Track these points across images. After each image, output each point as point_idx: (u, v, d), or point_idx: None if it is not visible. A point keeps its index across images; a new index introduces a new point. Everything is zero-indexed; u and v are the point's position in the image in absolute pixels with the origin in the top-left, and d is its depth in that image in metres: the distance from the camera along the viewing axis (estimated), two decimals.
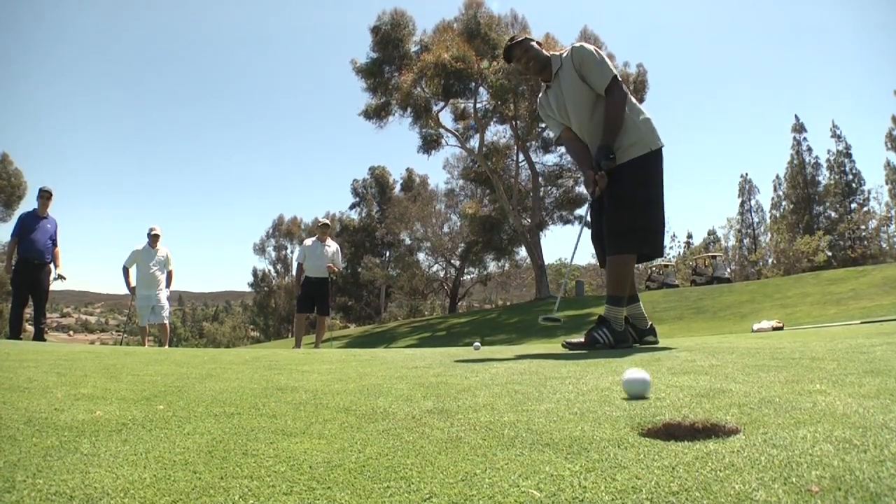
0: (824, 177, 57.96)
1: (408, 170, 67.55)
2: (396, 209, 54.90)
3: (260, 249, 76.59)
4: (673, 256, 59.02)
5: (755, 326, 6.36)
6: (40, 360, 3.12)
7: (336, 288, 70.13)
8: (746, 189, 64.39)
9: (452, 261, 54.39)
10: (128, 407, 1.43)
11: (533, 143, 40.47)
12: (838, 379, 1.92)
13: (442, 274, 58.26)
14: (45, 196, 9.74)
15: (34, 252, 9.40)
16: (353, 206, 70.24)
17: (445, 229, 54.29)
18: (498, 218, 41.83)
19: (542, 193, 41.02)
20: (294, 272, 10.61)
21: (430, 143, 39.22)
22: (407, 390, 1.74)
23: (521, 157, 40.29)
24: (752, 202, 64.00)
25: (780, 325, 5.95)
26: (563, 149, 43.87)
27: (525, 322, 28.76)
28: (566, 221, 42.46)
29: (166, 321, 10.88)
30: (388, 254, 63.84)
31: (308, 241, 10.86)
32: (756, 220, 63.30)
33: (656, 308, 24.06)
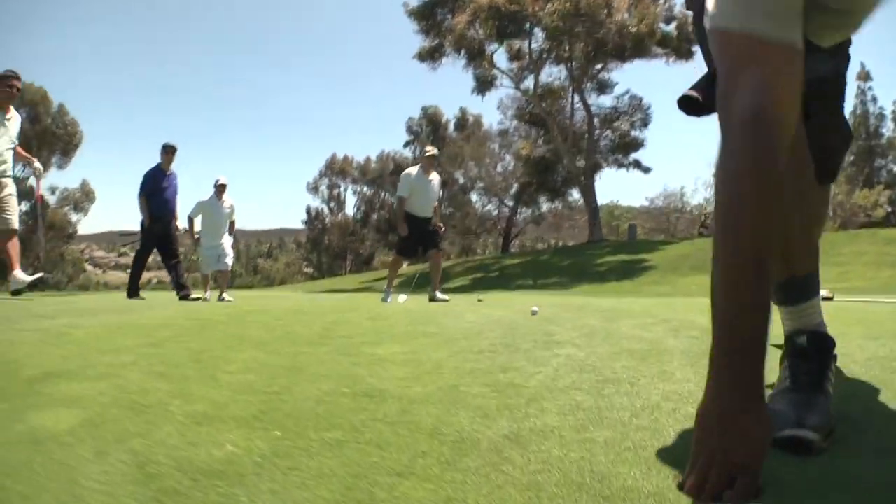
0: (889, 129, 55.12)
1: (461, 109, 66.79)
2: (450, 149, 54.68)
3: (313, 188, 77.13)
4: None
5: None
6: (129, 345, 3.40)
7: (390, 226, 70.93)
8: None
9: (506, 200, 54.24)
10: (247, 433, 1.58)
11: (588, 84, 39.76)
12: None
13: (495, 213, 58.22)
14: (170, 151, 9.62)
15: (165, 209, 9.42)
16: (406, 145, 70.13)
17: (499, 169, 54.09)
18: (552, 159, 41.45)
19: (596, 136, 40.34)
20: (397, 209, 9.09)
21: (484, 85, 38.78)
22: (481, 397, 1.92)
23: (577, 98, 39.61)
24: None
25: (831, 295, 5.91)
26: (620, 89, 43.56)
27: (577, 265, 28.80)
28: (621, 165, 41.82)
29: (229, 268, 10.95)
30: (442, 192, 63.97)
31: (412, 171, 9.15)
32: None
33: (708, 255, 23.68)
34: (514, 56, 39.22)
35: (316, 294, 18.57)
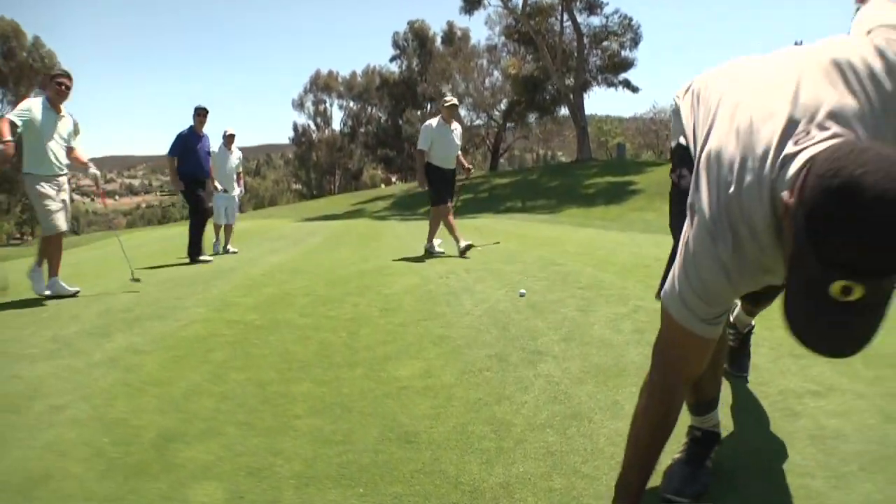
0: None
1: (448, 23, 65.83)
2: (438, 64, 54.28)
3: (299, 105, 76.65)
4: None
5: None
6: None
7: (378, 141, 71.02)
8: None
9: (494, 116, 54.29)
10: (342, 493, 2.32)
11: (578, 2, 39.38)
12: None
13: (484, 128, 58.30)
14: (202, 114, 9.68)
15: (200, 169, 9.50)
16: (392, 59, 69.43)
17: (487, 84, 53.92)
18: (540, 77, 41.39)
19: (585, 55, 40.20)
20: (417, 162, 8.75)
21: (471, 3, 38.49)
22: (485, 440, 2.69)
23: (566, 16, 39.27)
24: None
25: None
26: (609, 9, 43.45)
27: (565, 186, 29.46)
28: (610, 84, 41.87)
29: (233, 222, 11.08)
30: (429, 106, 63.72)
31: (432, 122, 8.67)
32: None
33: None
34: None
35: (311, 228, 19.15)
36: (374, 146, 72.33)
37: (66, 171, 6.18)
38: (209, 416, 2.97)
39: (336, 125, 77.61)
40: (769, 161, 1.45)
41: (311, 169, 77.67)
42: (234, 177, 11.09)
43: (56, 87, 6.08)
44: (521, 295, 5.30)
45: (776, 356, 3.42)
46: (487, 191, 32.30)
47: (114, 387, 3.38)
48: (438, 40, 65.61)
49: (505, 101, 49.68)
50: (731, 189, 1.51)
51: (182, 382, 3.43)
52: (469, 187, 35.11)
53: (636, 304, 4.81)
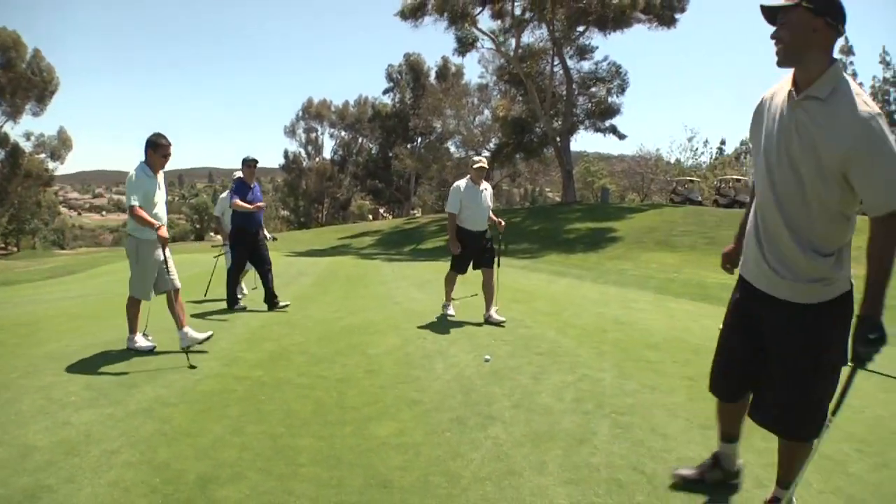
0: None
1: (443, 58, 67.55)
2: (430, 99, 55.61)
3: (290, 132, 77.82)
4: (704, 162, 60.14)
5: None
6: None
7: (367, 172, 71.87)
8: None
9: (483, 154, 55.46)
10: None
11: (569, 48, 40.81)
12: None
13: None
14: (252, 165, 9.53)
15: (253, 221, 9.45)
16: (386, 92, 70.92)
17: (477, 122, 55.25)
18: (529, 120, 42.72)
19: (574, 99, 41.53)
20: (448, 225, 8.52)
21: (465, 46, 39.86)
22: None
23: (557, 60, 40.68)
24: None
25: None
26: (599, 56, 45.00)
27: (547, 230, 30.49)
28: (597, 129, 43.20)
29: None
30: (419, 140, 64.92)
31: (461, 184, 8.45)
32: None
33: (673, 231, 25.56)
34: (497, 15, 39.98)
35: (301, 266, 20.06)
36: (363, 177, 73.42)
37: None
38: (234, 463, 3.85)
39: (327, 153, 78.82)
40: None
41: (300, 196, 78.61)
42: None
43: (161, 159, 6.49)
44: (487, 360, 6.22)
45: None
46: None
47: (153, 436, 4.25)
48: (433, 75, 67.13)
49: (494, 139, 50.96)
50: None
51: (209, 434, 4.31)
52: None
53: (583, 372, 5.82)
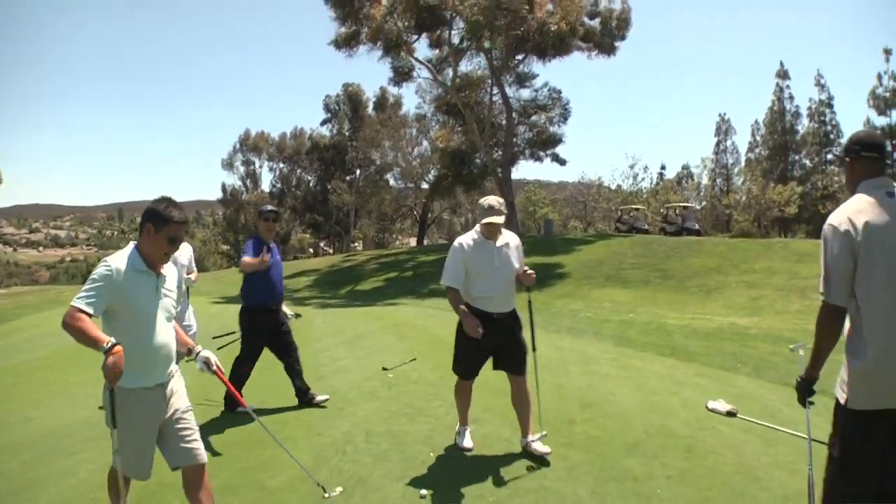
0: (803, 126, 59.06)
1: (381, 88, 66.31)
2: (368, 130, 54.32)
3: (228, 164, 75.58)
4: (644, 188, 59.86)
5: (710, 405, 6.58)
6: None
7: (306, 206, 69.66)
8: (723, 129, 64.60)
9: (422, 186, 54.32)
10: None
11: (508, 76, 39.84)
12: None
13: (411, 200, 58.27)
14: (271, 218, 6.83)
15: (273, 295, 6.87)
16: (324, 123, 69.64)
17: (416, 153, 54.16)
18: (468, 151, 41.32)
19: (515, 129, 40.47)
20: (451, 303, 5.24)
21: (401, 76, 38.54)
22: None
23: (496, 90, 39.59)
24: (728, 143, 64.51)
25: (735, 411, 6.27)
26: (539, 83, 43.57)
27: None
28: (537, 158, 42.26)
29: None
30: (358, 172, 63.64)
31: (465, 241, 5.30)
32: (731, 161, 63.97)
33: (623, 264, 24.32)
34: (435, 43, 38.82)
35: (229, 321, 17.97)
36: (302, 210, 71.70)
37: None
38: None
39: (266, 186, 76.77)
40: None
41: (240, 231, 76.21)
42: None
43: (170, 245, 3.62)
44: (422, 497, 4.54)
45: None
46: (412, 269, 31.72)
47: None
48: (371, 106, 65.91)
49: (433, 171, 49.71)
50: None
51: None
52: (393, 264, 34.42)
53: None
